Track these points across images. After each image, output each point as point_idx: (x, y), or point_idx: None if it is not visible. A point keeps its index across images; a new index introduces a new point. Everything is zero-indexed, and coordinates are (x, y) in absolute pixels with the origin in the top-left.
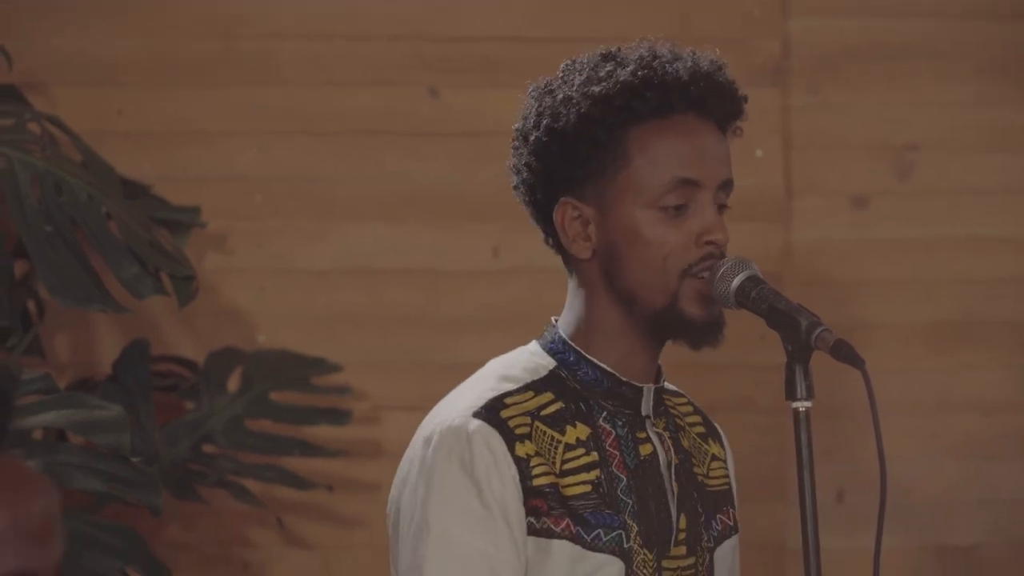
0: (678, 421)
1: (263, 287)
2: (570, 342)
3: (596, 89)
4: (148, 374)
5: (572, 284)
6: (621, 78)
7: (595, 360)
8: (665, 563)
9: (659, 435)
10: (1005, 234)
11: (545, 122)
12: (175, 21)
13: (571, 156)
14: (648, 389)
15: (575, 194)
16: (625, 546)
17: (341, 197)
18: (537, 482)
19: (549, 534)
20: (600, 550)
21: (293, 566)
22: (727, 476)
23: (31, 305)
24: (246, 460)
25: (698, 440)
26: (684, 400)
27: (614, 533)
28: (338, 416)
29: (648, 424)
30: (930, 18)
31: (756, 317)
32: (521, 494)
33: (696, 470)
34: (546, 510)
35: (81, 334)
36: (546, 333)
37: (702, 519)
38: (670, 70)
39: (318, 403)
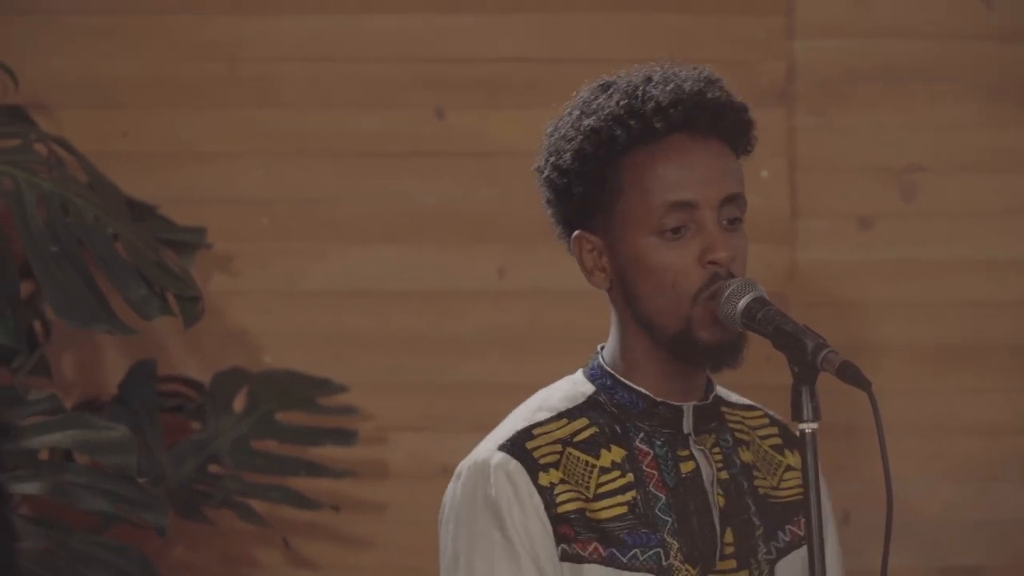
0: (740, 435)
1: (269, 308)
2: (608, 368)
3: (587, 123)
4: (154, 395)
5: (612, 312)
6: (607, 110)
7: (630, 383)
8: None
9: (704, 451)
10: (1009, 256)
11: (552, 160)
12: (180, 44)
13: (575, 191)
14: (688, 407)
15: (587, 227)
16: (664, 563)
17: (346, 218)
18: (562, 509)
19: (579, 559)
20: (638, 569)
21: None
22: (799, 485)
23: (37, 325)
24: (252, 481)
25: (770, 452)
26: (758, 413)
27: (652, 551)
28: (344, 436)
29: (691, 441)
30: (934, 40)
31: (762, 338)
32: (548, 523)
33: (759, 483)
34: (573, 536)
35: (87, 354)
36: (591, 360)
37: (759, 532)
38: (652, 95)
39: (324, 424)
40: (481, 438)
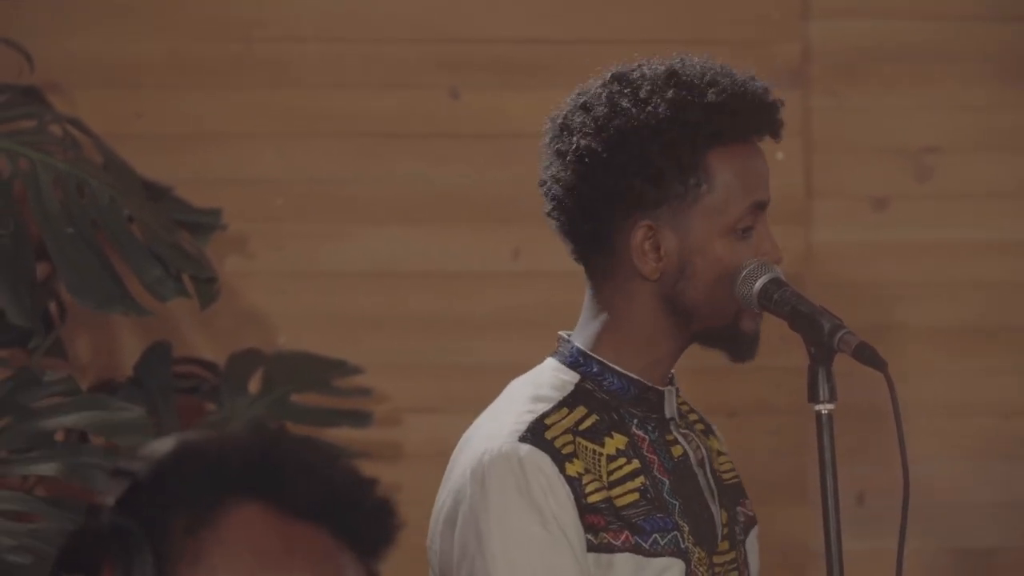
0: (692, 419)
1: (284, 289)
2: (591, 353)
3: (681, 114)
4: (170, 376)
5: (598, 296)
6: (707, 99)
7: (620, 368)
8: (715, 559)
9: (684, 435)
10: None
11: (619, 142)
12: (194, 24)
13: (649, 178)
14: (669, 391)
15: (652, 216)
16: (682, 546)
17: (360, 199)
18: (592, 499)
19: (610, 549)
20: (660, 554)
21: None
22: (733, 468)
23: (53, 307)
24: None
25: (702, 436)
26: (681, 399)
27: (670, 535)
28: (359, 418)
29: (673, 426)
30: (950, 20)
31: (777, 319)
32: (577, 513)
33: (714, 466)
34: (603, 525)
35: (102, 336)
36: (561, 348)
37: (733, 513)
38: (752, 91)
39: (339, 405)
40: None
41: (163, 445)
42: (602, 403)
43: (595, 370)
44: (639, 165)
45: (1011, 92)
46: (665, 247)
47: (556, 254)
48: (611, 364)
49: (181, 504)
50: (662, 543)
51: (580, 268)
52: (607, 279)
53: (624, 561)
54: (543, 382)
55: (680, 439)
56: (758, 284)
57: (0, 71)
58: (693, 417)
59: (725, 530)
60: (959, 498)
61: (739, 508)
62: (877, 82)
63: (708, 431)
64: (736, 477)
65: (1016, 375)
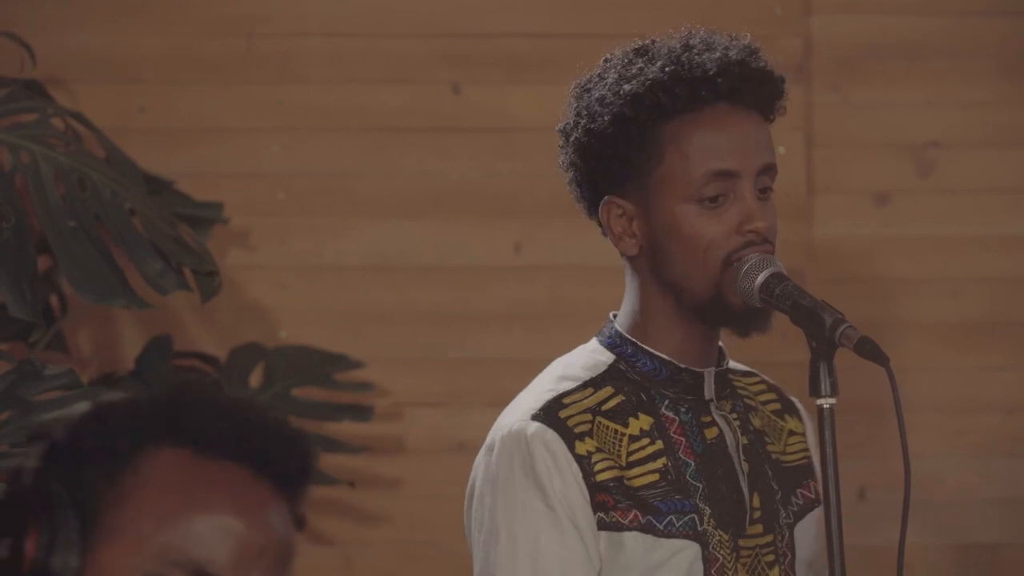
0: (748, 401)
1: (285, 284)
2: (627, 335)
3: (627, 87)
4: (171, 370)
5: (627, 278)
6: (650, 75)
7: (652, 350)
8: (742, 542)
9: (725, 417)
10: None
11: (583, 123)
12: (197, 19)
13: (609, 156)
14: (709, 373)
15: (618, 192)
16: (699, 529)
17: (363, 193)
18: (600, 477)
19: (618, 527)
20: (674, 535)
21: (314, 562)
22: (806, 450)
23: (54, 300)
24: None
25: (772, 417)
26: (757, 379)
27: (687, 517)
28: (360, 412)
29: (712, 407)
30: (952, 16)
31: (778, 315)
32: (586, 491)
33: (771, 448)
34: (612, 504)
35: (103, 330)
36: (604, 328)
37: (778, 496)
38: (698, 63)
39: (340, 400)
40: (499, 414)
41: (79, 407)
42: (634, 384)
43: (629, 351)
44: (600, 143)
45: (1013, 88)
46: (636, 224)
47: (559, 247)
48: (644, 345)
49: (98, 458)
50: (677, 525)
51: (582, 262)
52: (626, 261)
53: (633, 540)
54: (575, 362)
55: (719, 421)
56: (759, 279)
57: (2, 65)
58: (767, 397)
59: (758, 513)
60: (962, 494)
61: (800, 490)
62: (879, 78)
63: (786, 411)
64: (805, 459)
65: (1018, 371)
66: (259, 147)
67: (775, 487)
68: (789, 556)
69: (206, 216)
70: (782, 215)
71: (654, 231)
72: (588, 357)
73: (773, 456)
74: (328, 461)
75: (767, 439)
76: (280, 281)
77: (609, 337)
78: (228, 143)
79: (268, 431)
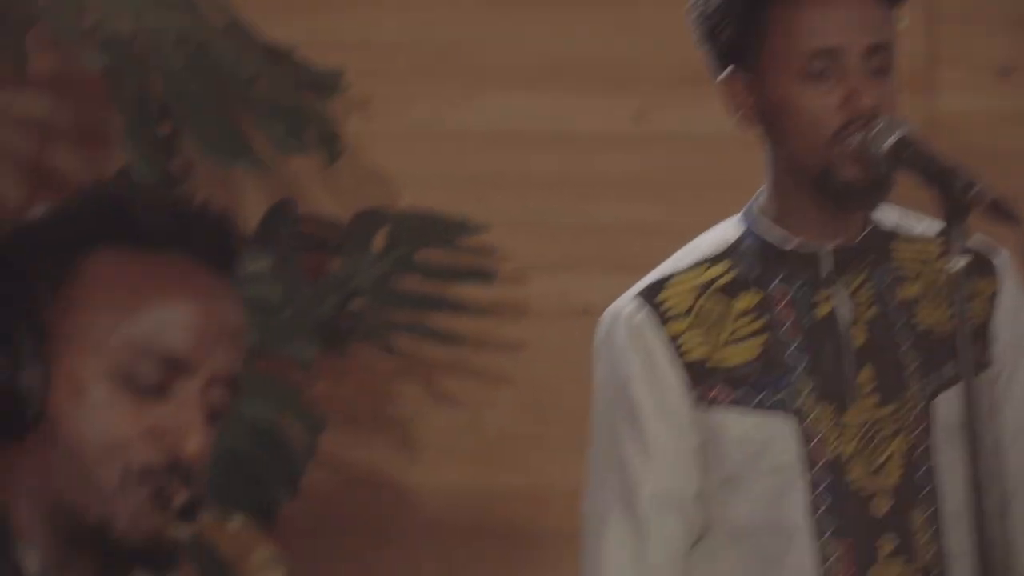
0: (902, 270)
1: (407, 150)
2: (758, 210)
3: None
4: (294, 233)
5: (765, 152)
6: None
7: (776, 226)
8: (847, 418)
9: (844, 294)
10: None
11: (701, 1)
12: None
13: (723, 33)
14: (826, 252)
15: (737, 68)
16: (797, 403)
17: (484, 62)
18: (691, 356)
19: (711, 403)
20: (768, 408)
21: (441, 422)
22: (985, 311)
23: (175, 165)
24: (393, 318)
25: (941, 284)
26: (933, 242)
27: (784, 392)
28: (483, 276)
29: (831, 285)
30: None
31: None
32: (677, 370)
33: (923, 317)
34: (703, 380)
35: (223, 194)
36: (750, 202)
37: (913, 367)
38: None
39: (463, 263)
40: (621, 279)
41: (20, 220)
42: (752, 259)
43: (757, 226)
44: (710, 19)
45: None
46: (753, 99)
47: (679, 118)
48: (770, 220)
49: (39, 271)
50: (772, 399)
51: (704, 131)
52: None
53: (726, 414)
54: (705, 238)
55: (835, 298)
56: (889, 141)
57: None
58: (941, 263)
59: (870, 386)
60: None
61: (952, 360)
62: None
63: (976, 271)
64: (982, 321)
65: None
66: (381, 14)
67: (909, 359)
68: (921, 427)
69: (327, 83)
70: (903, 89)
71: (766, 107)
72: (720, 233)
73: (921, 327)
74: (452, 323)
75: (922, 308)
76: (403, 147)
77: (746, 212)
78: (348, 10)
79: (199, 219)
